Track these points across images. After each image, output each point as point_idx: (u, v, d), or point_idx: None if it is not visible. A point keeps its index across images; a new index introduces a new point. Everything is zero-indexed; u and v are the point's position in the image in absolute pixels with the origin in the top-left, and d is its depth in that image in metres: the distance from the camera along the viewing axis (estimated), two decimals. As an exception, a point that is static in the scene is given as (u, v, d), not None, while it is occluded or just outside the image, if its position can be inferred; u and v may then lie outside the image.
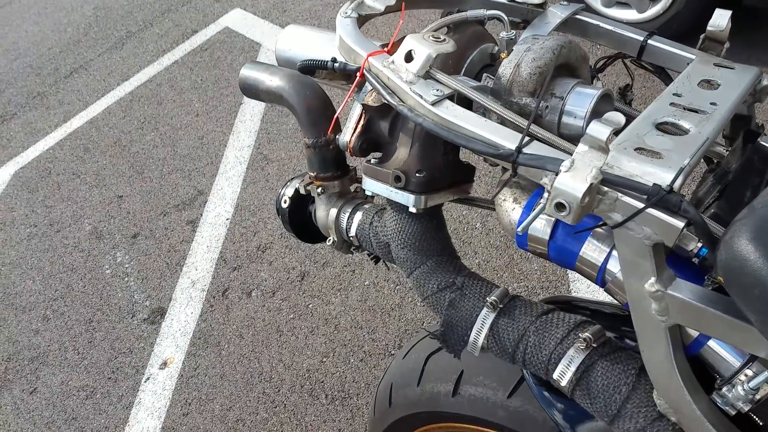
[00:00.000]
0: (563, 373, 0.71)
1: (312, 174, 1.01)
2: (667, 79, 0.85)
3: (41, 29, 5.06)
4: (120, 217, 3.11)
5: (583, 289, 2.00)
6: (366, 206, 1.00)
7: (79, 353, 2.58)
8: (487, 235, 2.31)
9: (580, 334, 0.72)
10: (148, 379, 2.36)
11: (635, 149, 0.60)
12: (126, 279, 2.80)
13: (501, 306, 0.77)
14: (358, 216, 0.98)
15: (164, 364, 2.39)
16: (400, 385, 1.11)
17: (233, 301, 2.51)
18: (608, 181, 0.57)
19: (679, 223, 0.55)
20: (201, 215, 2.93)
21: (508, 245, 2.24)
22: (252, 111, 3.35)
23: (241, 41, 3.86)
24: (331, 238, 1.03)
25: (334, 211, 1.01)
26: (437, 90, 0.71)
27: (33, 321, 2.80)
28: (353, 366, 2.15)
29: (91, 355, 2.55)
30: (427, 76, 0.73)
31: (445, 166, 0.83)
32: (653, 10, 2.57)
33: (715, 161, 0.80)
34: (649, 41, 0.85)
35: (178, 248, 2.83)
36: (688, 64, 0.80)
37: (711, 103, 0.68)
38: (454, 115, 0.69)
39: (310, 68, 0.84)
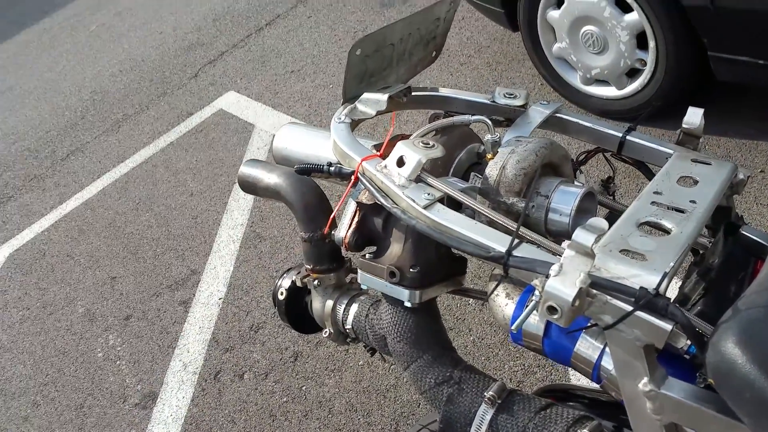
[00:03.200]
0: (564, 472, 0.71)
1: (308, 267, 1.03)
2: (647, 173, 0.89)
3: (40, 113, 5.18)
4: (113, 299, 3.09)
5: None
6: (362, 298, 1.01)
7: (68, 443, 2.50)
8: (480, 312, 2.31)
9: (579, 431, 0.72)
10: (138, 469, 2.28)
11: (620, 251, 0.63)
12: (118, 362, 2.76)
13: (499, 401, 0.78)
14: (354, 308, 1.00)
15: (155, 453, 2.32)
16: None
17: (225, 384, 2.47)
18: (597, 284, 0.59)
19: (667, 326, 0.57)
20: (194, 295, 2.92)
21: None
22: (246, 190, 3.40)
23: (235, 122, 3.96)
24: (327, 329, 1.04)
25: (330, 303, 1.02)
26: (428, 194, 0.75)
27: (22, 407, 2.73)
28: (350, 451, 2.09)
29: (80, 444, 2.47)
30: (418, 179, 0.77)
31: (437, 260, 0.85)
32: (631, 87, 2.68)
33: (700, 252, 0.83)
34: (628, 137, 0.89)
35: (171, 329, 2.80)
36: (666, 158, 0.84)
37: (691, 201, 0.71)
38: (446, 218, 0.72)
39: (307, 171, 0.88)
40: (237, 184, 3.43)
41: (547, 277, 0.60)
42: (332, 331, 1.03)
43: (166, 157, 3.95)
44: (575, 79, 2.84)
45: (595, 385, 0.97)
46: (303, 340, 2.50)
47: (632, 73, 2.66)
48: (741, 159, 2.49)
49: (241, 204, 3.33)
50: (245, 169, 1.06)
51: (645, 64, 2.55)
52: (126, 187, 3.85)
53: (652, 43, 2.46)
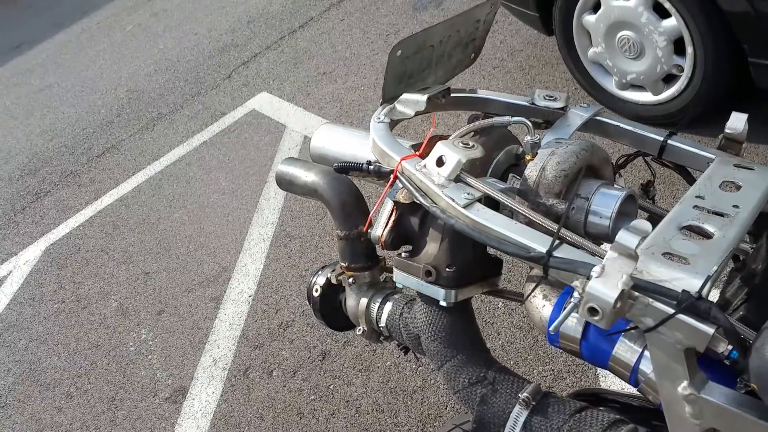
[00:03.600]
0: (599, 475, 0.71)
1: (343, 264, 1.04)
2: (688, 177, 0.88)
3: (77, 111, 5.31)
4: (146, 294, 3.15)
5: (610, 374, 1.97)
6: (396, 296, 1.02)
7: (100, 433, 2.56)
8: (510, 315, 2.30)
9: (615, 434, 0.72)
10: (167, 461, 2.33)
11: (663, 254, 0.63)
12: (149, 356, 2.81)
13: (534, 403, 0.78)
14: (388, 306, 1.00)
15: (184, 446, 2.36)
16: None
17: (254, 381, 2.50)
18: (639, 287, 0.59)
19: (709, 330, 0.56)
20: (224, 292, 2.96)
21: (531, 326, 2.23)
22: (276, 189, 3.44)
23: (267, 123, 4.01)
24: (360, 327, 1.05)
25: (364, 301, 1.03)
26: (468, 193, 0.75)
27: (57, 398, 2.80)
28: (376, 451, 2.10)
29: (112, 435, 2.53)
30: (457, 179, 0.77)
31: (474, 261, 0.86)
32: (668, 93, 2.64)
33: (741, 258, 0.82)
34: (669, 141, 0.89)
35: (202, 325, 2.85)
36: (708, 163, 0.83)
37: (734, 206, 0.70)
38: (485, 217, 0.73)
39: (346, 169, 0.89)
40: (270, 182, 3.46)
41: (589, 278, 0.60)
42: (366, 328, 1.04)
43: (199, 155, 4.02)
44: (610, 84, 2.82)
45: (627, 390, 0.96)
46: (331, 339, 2.52)
47: (668, 79, 2.63)
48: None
49: (271, 203, 3.37)
50: (283, 167, 1.08)
51: (682, 69, 2.52)
52: (160, 184, 3.93)
53: (689, 49, 2.43)
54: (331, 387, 2.36)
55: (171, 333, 2.87)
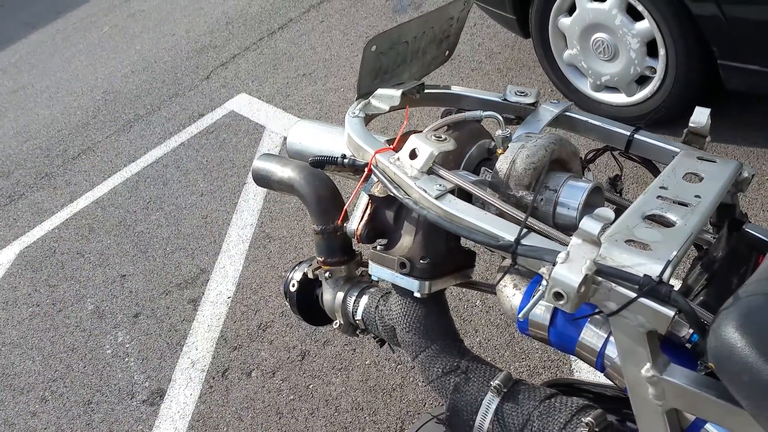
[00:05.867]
0: (568, 458, 0.73)
1: (320, 259, 1.05)
2: (654, 170, 0.91)
3: (52, 112, 5.24)
4: (122, 297, 3.12)
5: (585, 368, 2.00)
6: (372, 290, 1.03)
7: (75, 437, 2.52)
8: (487, 313, 2.33)
9: (582, 419, 0.74)
10: (144, 464, 2.31)
11: (626, 241, 0.65)
12: (126, 359, 2.78)
13: (505, 390, 0.80)
14: (364, 300, 1.02)
15: (162, 448, 2.34)
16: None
17: (233, 382, 2.49)
18: (602, 272, 0.61)
19: (670, 312, 0.58)
20: (203, 294, 2.95)
21: (508, 323, 2.25)
22: (255, 191, 3.43)
23: (246, 124, 4.00)
24: (337, 321, 1.06)
25: (340, 295, 1.05)
26: (440, 185, 0.77)
27: (31, 402, 2.76)
28: (355, 449, 2.11)
29: (88, 438, 2.50)
30: (430, 171, 0.79)
31: (447, 252, 0.87)
32: (641, 94, 2.69)
33: (704, 248, 0.85)
34: (636, 135, 0.92)
35: (179, 327, 2.83)
36: (673, 156, 0.86)
37: (695, 196, 0.73)
38: (456, 208, 0.75)
39: (321, 163, 0.90)
40: (249, 183, 3.44)
41: (555, 264, 0.62)
42: (342, 322, 1.05)
43: (176, 157, 4.00)
44: (585, 86, 2.86)
45: (599, 381, 0.98)
46: (311, 339, 2.52)
47: (642, 81, 2.68)
48: (750, 166, 2.50)
49: (251, 204, 3.36)
50: (259, 163, 1.09)
51: (655, 71, 2.57)
52: (137, 186, 3.89)
53: (662, 51, 2.48)
54: (311, 386, 2.36)
55: (148, 335, 2.85)
